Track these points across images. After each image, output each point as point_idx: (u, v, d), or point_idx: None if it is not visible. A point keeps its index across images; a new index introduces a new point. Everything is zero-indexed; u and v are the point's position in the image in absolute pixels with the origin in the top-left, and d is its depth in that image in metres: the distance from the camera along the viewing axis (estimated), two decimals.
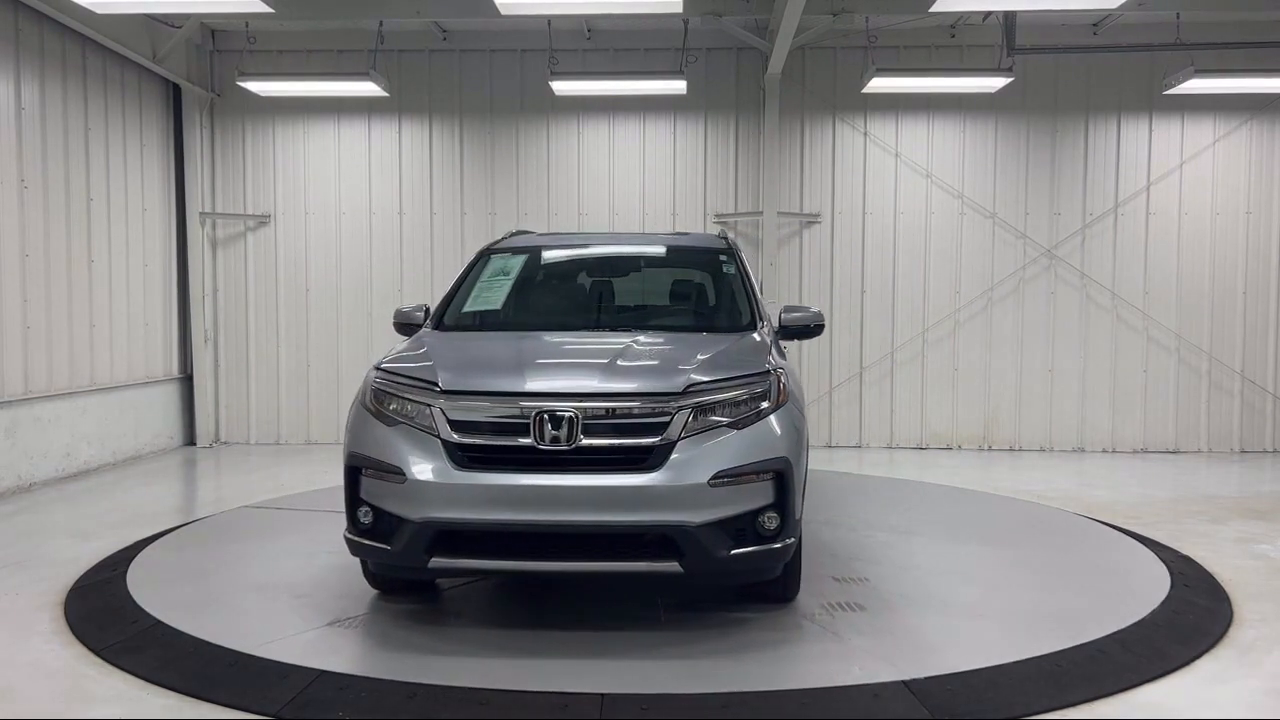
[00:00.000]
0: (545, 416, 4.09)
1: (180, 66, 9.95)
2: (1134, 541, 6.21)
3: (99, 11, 7.95)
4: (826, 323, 5.58)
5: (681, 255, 6.19)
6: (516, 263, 5.82)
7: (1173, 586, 5.14)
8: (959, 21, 9.91)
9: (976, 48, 10.13)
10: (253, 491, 7.85)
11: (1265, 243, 10.34)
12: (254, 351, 10.71)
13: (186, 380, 10.59)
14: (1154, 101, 10.19)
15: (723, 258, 5.88)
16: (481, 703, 3.66)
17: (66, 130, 8.64)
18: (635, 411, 4.16)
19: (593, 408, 4.13)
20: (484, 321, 5.53)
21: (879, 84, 9.47)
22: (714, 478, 4.06)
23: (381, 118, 10.52)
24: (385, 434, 4.26)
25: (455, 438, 4.15)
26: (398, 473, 4.13)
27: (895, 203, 10.43)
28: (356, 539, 4.33)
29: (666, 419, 4.13)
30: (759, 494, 4.17)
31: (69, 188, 8.67)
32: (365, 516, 4.28)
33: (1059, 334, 10.40)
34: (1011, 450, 10.41)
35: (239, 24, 10.02)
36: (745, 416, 4.24)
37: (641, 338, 4.92)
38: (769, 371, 4.42)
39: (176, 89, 10.31)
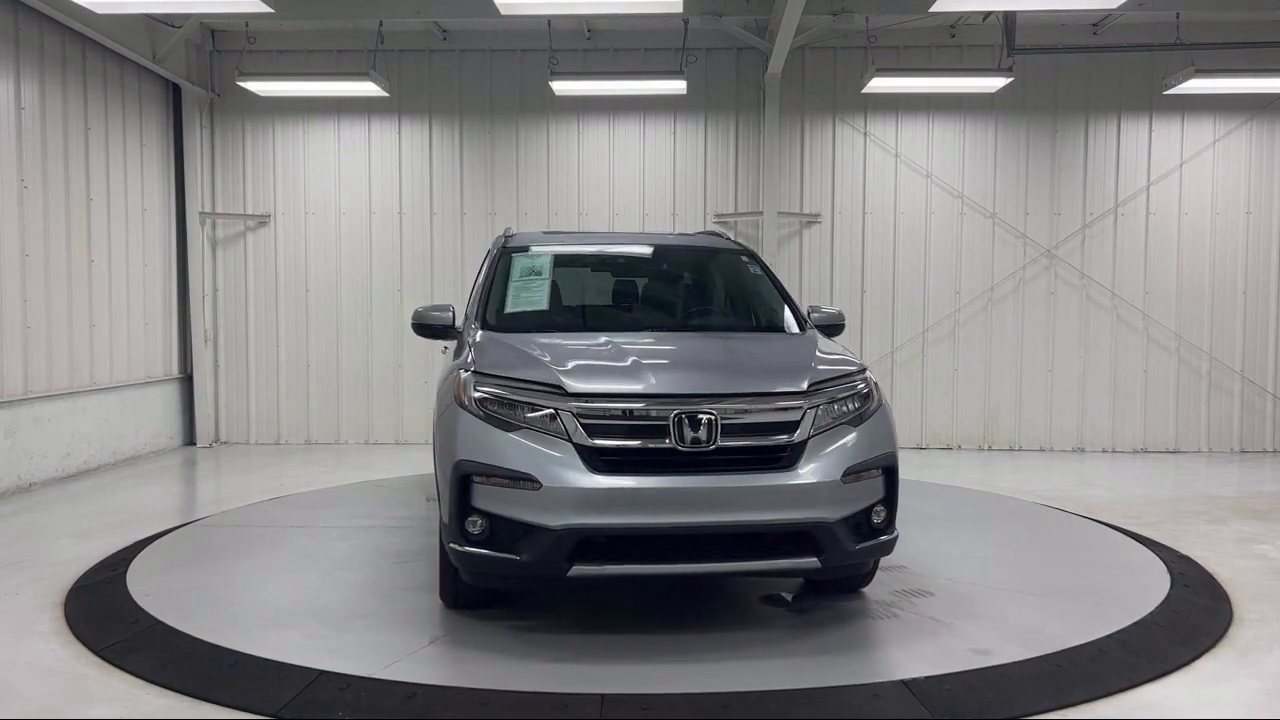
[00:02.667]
0: (685, 418, 4.08)
1: (180, 66, 9.95)
2: (1134, 541, 6.21)
3: (99, 11, 7.95)
4: None
5: (704, 255, 6.10)
6: (545, 262, 5.63)
7: (1172, 586, 5.14)
8: (959, 21, 9.91)
9: (976, 48, 10.13)
10: (253, 491, 7.85)
11: (1265, 243, 10.34)
12: (254, 351, 10.71)
13: (186, 380, 10.59)
14: (1154, 101, 10.19)
15: (744, 258, 6.00)
16: (482, 703, 3.66)
17: (66, 130, 8.63)
18: (770, 411, 4.21)
19: (729, 408, 4.14)
20: (541, 323, 5.25)
21: (879, 84, 9.47)
22: (845, 474, 4.17)
23: (381, 118, 10.52)
24: (506, 440, 4.09)
25: (591, 442, 4.05)
26: (530, 480, 3.98)
27: (895, 203, 10.43)
28: (470, 550, 4.12)
29: (797, 417, 4.20)
30: (875, 489, 4.31)
31: (69, 188, 8.67)
32: (476, 527, 4.10)
33: (1059, 334, 10.40)
34: (1011, 450, 10.41)
35: (239, 24, 10.02)
36: (858, 413, 4.38)
37: (729, 339, 5.05)
38: (866, 369, 4.61)
39: (176, 89, 10.31)
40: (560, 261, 5.80)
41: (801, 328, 5.35)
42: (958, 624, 4.55)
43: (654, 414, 4.09)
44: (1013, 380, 10.44)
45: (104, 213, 9.18)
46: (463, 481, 4.12)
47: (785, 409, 4.22)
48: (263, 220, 10.63)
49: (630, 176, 10.50)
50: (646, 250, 6.19)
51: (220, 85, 10.52)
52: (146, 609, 4.68)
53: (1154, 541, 6.19)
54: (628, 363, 4.39)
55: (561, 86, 9.64)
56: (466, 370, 4.41)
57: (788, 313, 5.50)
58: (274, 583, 5.19)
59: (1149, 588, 5.11)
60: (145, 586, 5.07)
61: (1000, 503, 7.55)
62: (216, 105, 10.56)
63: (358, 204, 10.61)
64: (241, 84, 9.62)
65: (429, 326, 5.31)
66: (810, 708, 3.64)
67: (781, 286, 5.75)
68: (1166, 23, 9.48)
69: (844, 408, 4.35)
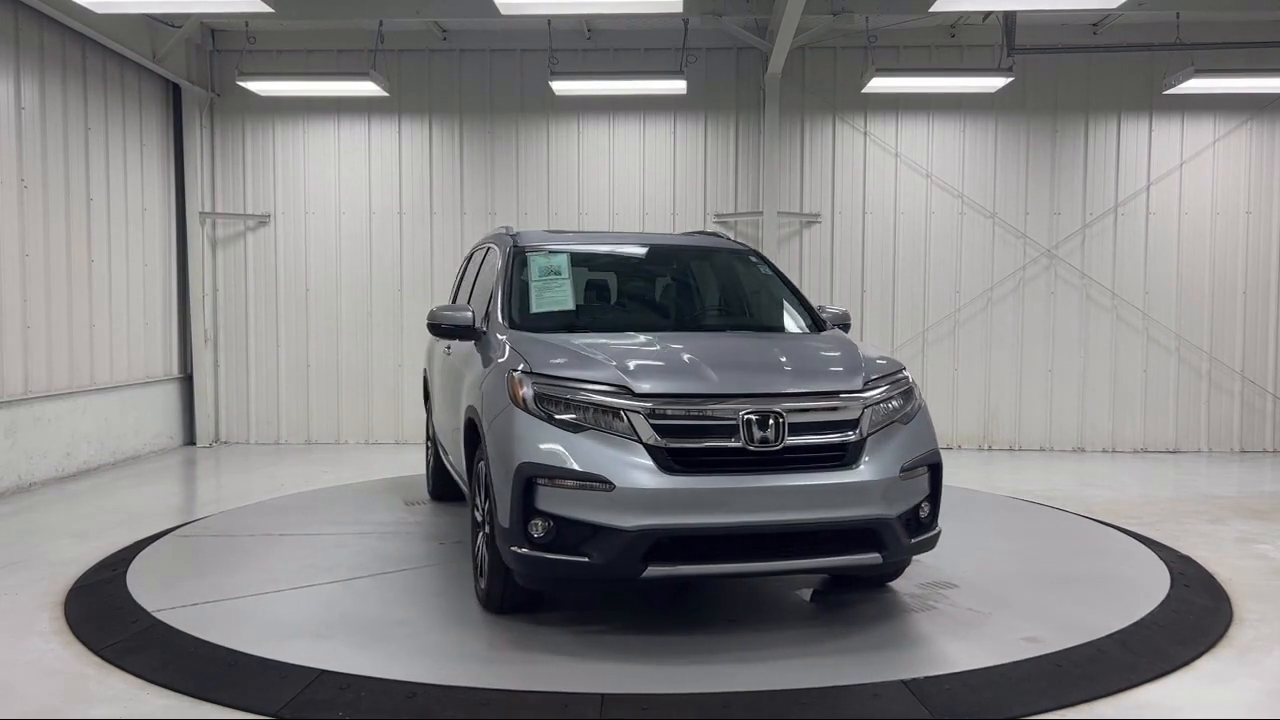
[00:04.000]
0: (753, 417, 4.10)
1: (180, 66, 9.95)
2: (1134, 541, 6.21)
3: (99, 11, 7.96)
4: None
5: (715, 256, 6.12)
6: (561, 262, 5.53)
7: (1172, 586, 5.14)
8: (959, 21, 9.91)
9: (976, 48, 10.13)
10: (252, 491, 7.85)
11: (1265, 243, 10.34)
12: (254, 351, 10.71)
13: (186, 380, 10.59)
14: (1154, 101, 10.19)
15: (753, 259, 6.06)
16: (482, 703, 3.66)
17: (66, 130, 8.64)
18: (833, 409, 4.27)
19: (795, 407, 4.19)
20: (571, 323, 5.17)
21: (879, 84, 9.47)
22: (903, 470, 4.26)
23: (381, 118, 10.52)
24: (573, 441, 4.07)
25: (662, 442, 4.05)
26: (602, 481, 3.97)
27: (895, 203, 10.43)
28: (535, 554, 4.07)
29: (857, 415, 4.28)
30: (923, 485, 4.42)
31: (69, 188, 8.67)
32: (539, 530, 4.05)
33: (1059, 334, 10.40)
34: (1011, 450, 10.41)
35: (239, 24, 10.02)
36: (907, 411, 4.48)
37: (770, 339, 5.12)
38: (906, 368, 4.72)
39: (176, 89, 10.31)
40: (578, 261, 5.71)
41: (821, 327, 5.45)
42: (996, 614, 4.64)
43: (724, 414, 4.11)
44: (1012, 380, 10.44)
45: (104, 213, 9.18)
46: (526, 485, 4.07)
47: (847, 407, 4.29)
48: (263, 220, 10.63)
49: (630, 176, 10.50)
50: (661, 250, 6.15)
51: (220, 85, 10.51)
52: (147, 609, 4.68)
53: (1154, 541, 6.19)
54: (686, 362, 4.40)
55: (561, 86, 9.64)
56: (520, 371, 4.33)
57: (805, 313, 5.60)
58: (275, 581, 5.19)
59: (1149, 587, 5.10)
60: (145, 586, 5.06)
61: (1000, 503, 7.54)
62: (216, 105, 10.56)
63: (358, 204, 10.61)
64: (241, 84, 9.62)
65: (448, 327, 5.21)
66: (810, 707, 3.64)
67: (795, 287, 5.84)
68: (1166, 23, 9.48)
69: (893, 406, 4.45)
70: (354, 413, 10.67)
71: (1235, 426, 10.40)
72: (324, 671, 3.91)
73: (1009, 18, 9.30)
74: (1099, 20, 9.76)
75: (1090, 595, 4.98)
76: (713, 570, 4.19)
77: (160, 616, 4.56)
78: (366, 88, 9.60)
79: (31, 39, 8.15)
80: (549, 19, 9.63)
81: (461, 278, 7.07)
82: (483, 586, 4.68)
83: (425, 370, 7.67)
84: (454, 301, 7.22)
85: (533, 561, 4.10)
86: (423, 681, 3.83)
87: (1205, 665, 4.11)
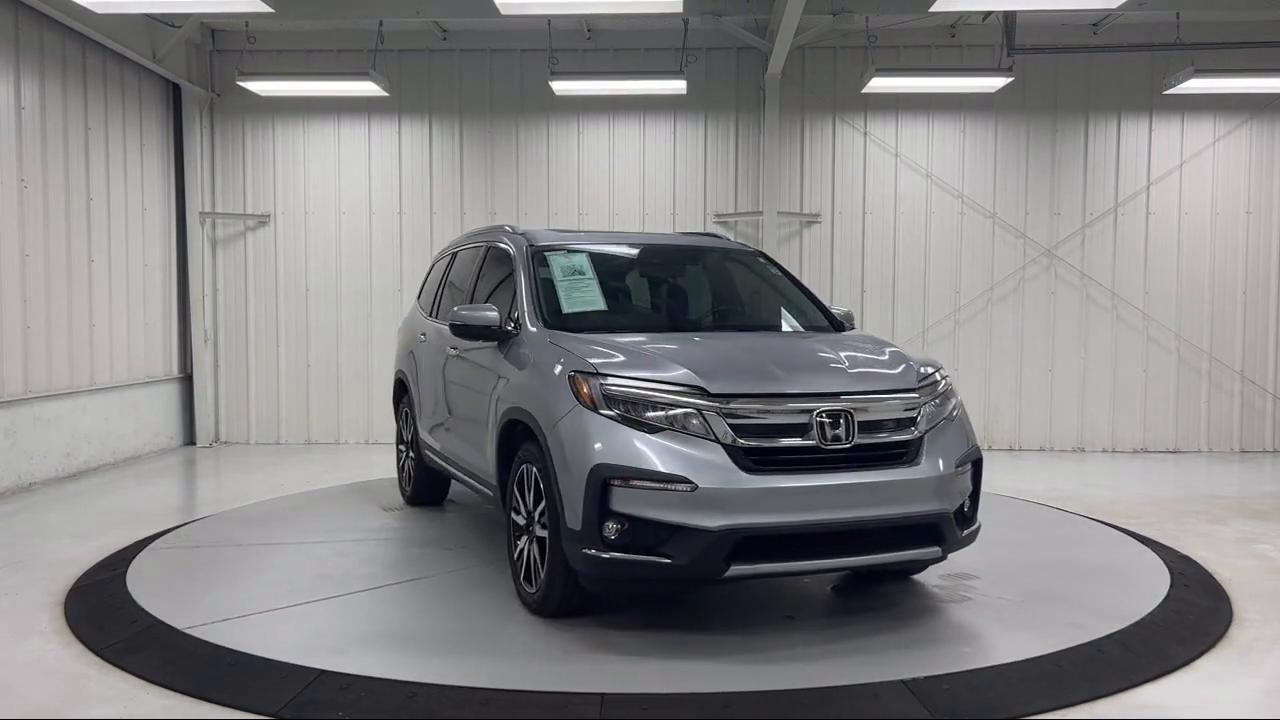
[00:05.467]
0: (825, 416, 4.17)
1: (180, 66, 9.95)
2: (1134, 541, 6.21)
3: (99, 11, 7.95)
4: None
5: (729, 257, 6.17)
6: (582, 261, 5.49)
7: (1172, 586, 5.14)
8: (959, 21, 9.91)
9: (976, 48, 10.13)
10: (252, 491, 7.85)
11: (1265, 243, 10.34)
12: (254, 351, 10.71)
13: (186, 380, 10.59)
14: (1154, 101, 10.19)
15: (762, 260, 6.15)
16: (482, 703, 3.66)
17: (66, 130, 8.63)
18: (896, 408, 4.39)
19: (863, 405, 4.29)
20: (608, 323, 5.15)
21: (879, 84, 9.47)
22: (956, 466, 4.41)
23: (381, 117, 10.52)
24: (650, 442, 4.06)
25: (740, 442, 4.08)
26: (683, 482, 3.97)
27: (895, 203, 10.43)
28: (612, 556, 4.04)
29: (915, 413, 4.41)
30: (969, 479, 4.56)
31: (69, 188, 8.67)
32: (614, 532, 4.05)
33: (1059, 334, 10.40)
34: (1011, 450, 10.41)
35: (239, 24, 10.01)
36: (951, 409, 4.63)
37: (812, 339, 5.17)
38: (944, 366, 4.87)
39: (176, 89, 10.31)
40: (598, 261, 5.64)
41: (840, 327, 5.58)
42: (1030, 605, 4.78)
43: (797, 413, 4.17)
44: (1012, 380, 10.44)
45: (104, 212, 9.18)
46: (602, 486, 4.05)
47: (908, 405, 4.41)
48: (263, 220, 10.63)
49: (630, 176, 10.50)
50: (676, 250, 6.14)
51: (220, 85, 10.51)
52: (147, 609, 4.67)
53: (1154, 541, 6.19)
54: (752, 362, 4.44)
55: (561, 86, 9.64)
56: (585, 371, 4.30)
57: (822, 313, 5.71)
58: (274, 581, 5.19)
59: (1149, 587, 5.10)
60: (145, 586, 5.06)
61: (999, 503, 7.54)
62: (216, 105, 10.56)
63: (358, 204, 10.61)
64: (241, 84, 9.62)
65: (478, 327, 5.13)
66: (810, 708, 3.64)
67: (806, 288, 5.91)
68: (1166, 23, 9.48)
69: (943, 404, 4.58)
70: (354, 412, 10.66)
71: (1235, 426, 10.40)
72: (324, 671, 3.91)
73: (1009, 18, 9.30)
74: (1099, 20, 9.76)
75: (1090, 595, 4.98)
76: (790, 568, 4.25)
77: (160, 616, 4.54)
78: (366, 88, 9.60)
79: (31, 39, 8.15)
80: (549, 19, 9.62)
81: (437, 277, 6.97)
82: (534, 591, 4.58)
83: (400, 373, 7.23)
84: (419, 297, 7.25)
85: (608, 564, 4.07)
86: (422, 681, 3.82)
87: (1205, 665, 4.11)
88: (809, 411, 4.17)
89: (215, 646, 4.18)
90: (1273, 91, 9.93)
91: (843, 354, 4.74)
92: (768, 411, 4.16)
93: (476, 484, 5.58)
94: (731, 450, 4.06)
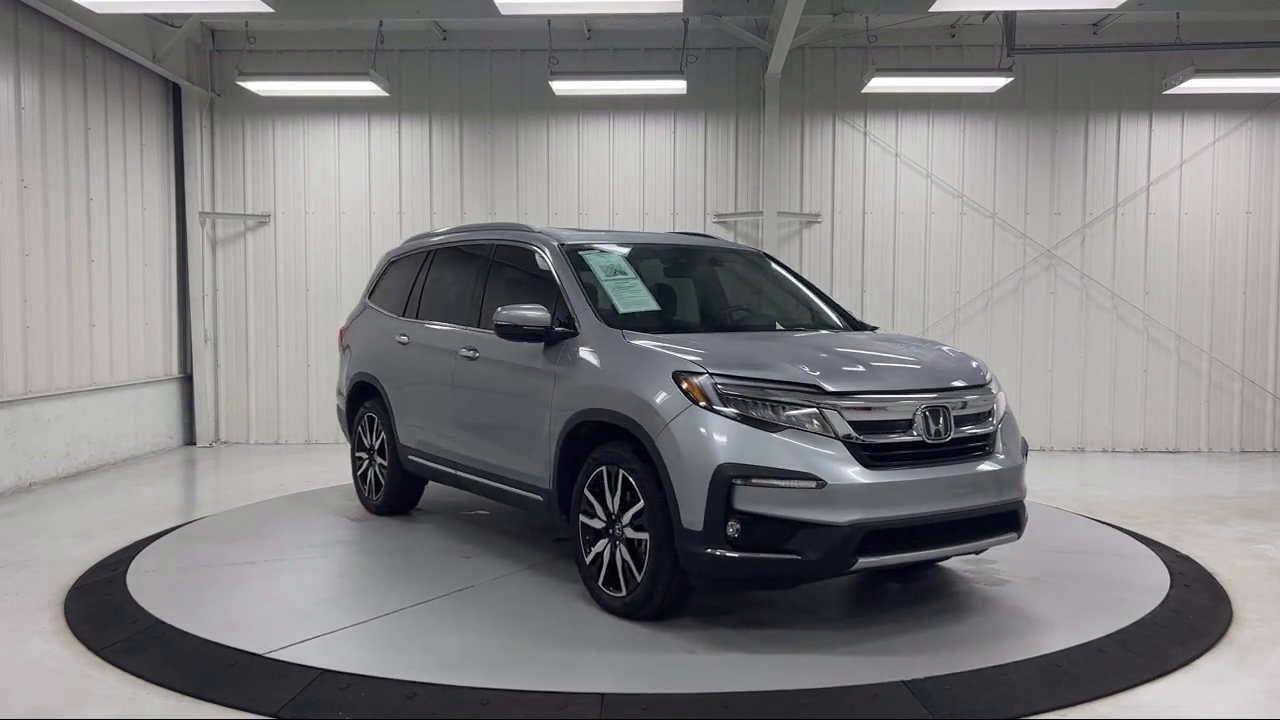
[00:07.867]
0: (929, 412, 4.37)
1: (180, 66, 9.95)
2: (1134, 541, 6.21)
3: (99, 11, 7.95)
4: None
5: (747, 259, 6.26)
6: (618, 260, 5.41)
7: (1172, 586, 5.14)
8: (959, 21, 9.91)
9: (976, 48, 10.13)
10: (253, 491, 7.85)
11: (1265, 243, 10.34)
12: (254, 351, 10.71)
13: (186, 380, 10.59)
14: (1154, 101, 10.19)
15: (772, 263, 6.28)
16: (482, 702, 3.66)
17: (66, 130, 8.64)
18: (982, 402, 4.64)
19: (957, 401, 4.52)
20: (666, 322, 5.14)
21: (879, 84, 9.47)
22: (1023, 456, 4.70)
23: (381, 117, 10.52)
24: (775, 441, 4.12)
25: (859, 438, 4.20)
26: (811, 479, 4.03)
27: (895, 203, 10.43)
28: (737, 555, 4.05)
29: (991, 407, 4.68)
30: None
31: (69, 188, 8.67)
32: (736, 530, 4.05)
33: (1059, 334, 10.41)
34: None
35: (239, 24, 10.01)
36: (1005, 404, 4.88)
37: (876, 338, 5.39)
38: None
39: (176, 89, 10.31)
40: (642, 261, 5.61)
41: (863, 327, 5.72)
42: (1030, 605, 4.83)
43: (904, 409, 4.35)
44: (1012, 380, 10.43)
45: (104, 212, 9.18)
46: (726, 486, 4.06)
47: (989, 399, 4.68)
48: (262, 220, 10.63)
49: (630, 176, 10.50)
50: (704, 252, 6.10)
51: (220, 85, 10.51)
52: (147, 609, 4.67)
53: (1154, 541, 6.19)
54: (851, 361, 4.58)
55: (561, 86, 9.64)
56: (694, 371, 4.28)
57: (841, 314, 5.85)
58: (274, 580, 5.19)
59: (1149, 587, 5.10)
60: (145, 586, 5.06)
61: None
62: (216, 105, 10.56)
63: (358, 203, 10.61)
64: (241, 84, 9.62)
65: (531, 330, 4.96)
66: (810, 708, 3.64)
67: (821, 290, 6.08)
68: (1166, 23, 9.48)
69: (1000, 398, 4.83)
70: None
71: (1235, 426, 10.40)
72: (324, 671, 3.90)
73: (1009, 18, 9.30)
74: (1099, 20, 9.76)
75: (1090, 595, 4.98)
76: (907, 559, 4.37)
77: (160, 616, 4.54)
78: (366, 88, 9.60)
79: (31, 39, 8.15)
80: (549, 19, 9.63)
81: (405, 276, 6.71)
82: (623, 594, 4.50)
83: (365, 376, 6.78)
84: (371, 297, 7.07)
85: (736, 563, 4.09)
86: (422, 681, 3.82)
87: (1205, 665, 4.11)
88: (913, 408, 4.35)
89: (215, 646, 4.18)
90: (1273, 91, 9.93)
91: (916, 355, 4.89)
92: (881, 408, 4.32)
93: (505, 487, 5.40)
94: (852, 446, 4.17)
